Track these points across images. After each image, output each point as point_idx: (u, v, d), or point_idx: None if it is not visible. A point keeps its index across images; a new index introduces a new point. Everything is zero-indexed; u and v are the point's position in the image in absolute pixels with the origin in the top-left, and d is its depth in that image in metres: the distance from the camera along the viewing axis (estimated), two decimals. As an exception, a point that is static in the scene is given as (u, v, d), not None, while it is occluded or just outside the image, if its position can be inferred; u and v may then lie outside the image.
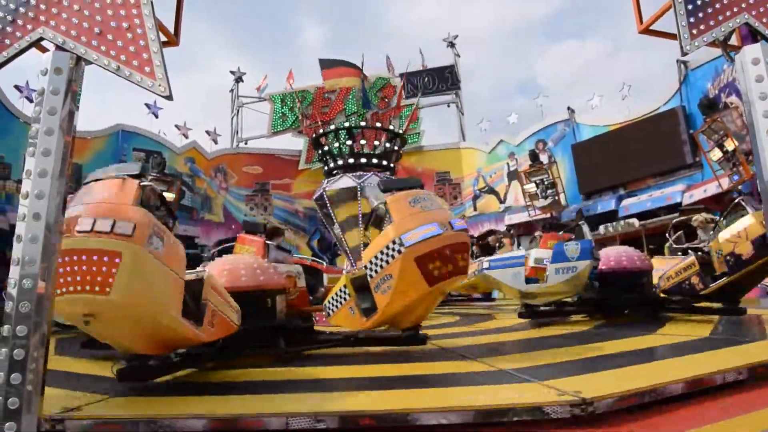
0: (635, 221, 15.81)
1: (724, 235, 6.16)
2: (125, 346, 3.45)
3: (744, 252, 5.89)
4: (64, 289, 2.78)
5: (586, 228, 7.69)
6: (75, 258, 2.80)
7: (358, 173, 13.15)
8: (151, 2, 2.82)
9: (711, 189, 13.56)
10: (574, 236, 7.91)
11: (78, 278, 2.80)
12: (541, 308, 7.72)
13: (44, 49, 3.07)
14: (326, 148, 13.79)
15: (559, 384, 3.09)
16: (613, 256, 7.73)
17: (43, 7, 2.86)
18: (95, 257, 2.81)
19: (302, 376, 4.11)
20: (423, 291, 4.44)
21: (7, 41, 2.90)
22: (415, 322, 4.99)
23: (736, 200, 6.35)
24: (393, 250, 4.35)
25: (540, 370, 3.63)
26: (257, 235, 6.33)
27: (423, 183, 5.18)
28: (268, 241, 6.29)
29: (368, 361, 4.68)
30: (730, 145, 12.42)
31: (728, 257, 6.10)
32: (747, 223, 5.90)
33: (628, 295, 7.42)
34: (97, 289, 2.80)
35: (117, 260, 2.81)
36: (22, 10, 2.89)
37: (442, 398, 3.03)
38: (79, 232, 2.81)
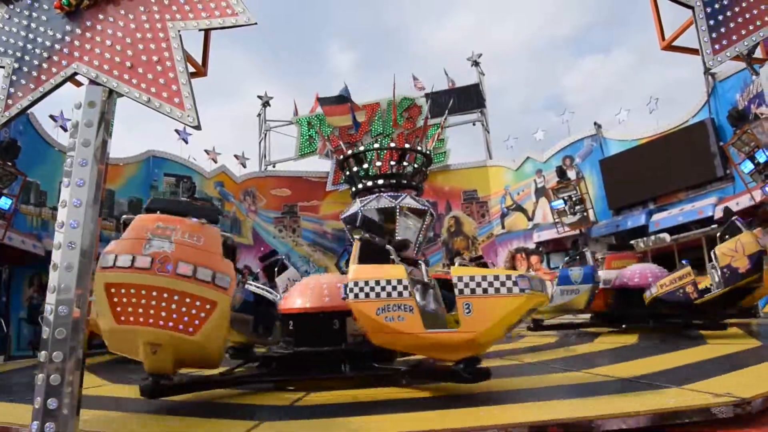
0: (666, 236, 15.48)
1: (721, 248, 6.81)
2: None
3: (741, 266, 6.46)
4: None
5: (589, 254, 9.03)
6: None
7: (393, 194, 13.21)
8: (180, 36, 2.91)
9: (743, 202, 13.24)
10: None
11: None
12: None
13: (78, 83, 3.19)
14: (354, 169, 13.89)
15: (696, 387, 3.42)
16: (627, 274, 9.00)
17: (77, 43, 2.98)
18: None
19: (476, 390, 4.11)
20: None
21: (43, 77, 3.03)
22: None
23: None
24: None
25: (657, 376, 3.93)
26: None
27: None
28: None
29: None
30: (761, 156, 12.19)
31: (724, 269, 6.66)
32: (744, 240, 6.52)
33: (635, 310, 8.43)
34: None
35: None
36: (57, 46, 3.01)
37: (600, 407, 3.16)
38: None
